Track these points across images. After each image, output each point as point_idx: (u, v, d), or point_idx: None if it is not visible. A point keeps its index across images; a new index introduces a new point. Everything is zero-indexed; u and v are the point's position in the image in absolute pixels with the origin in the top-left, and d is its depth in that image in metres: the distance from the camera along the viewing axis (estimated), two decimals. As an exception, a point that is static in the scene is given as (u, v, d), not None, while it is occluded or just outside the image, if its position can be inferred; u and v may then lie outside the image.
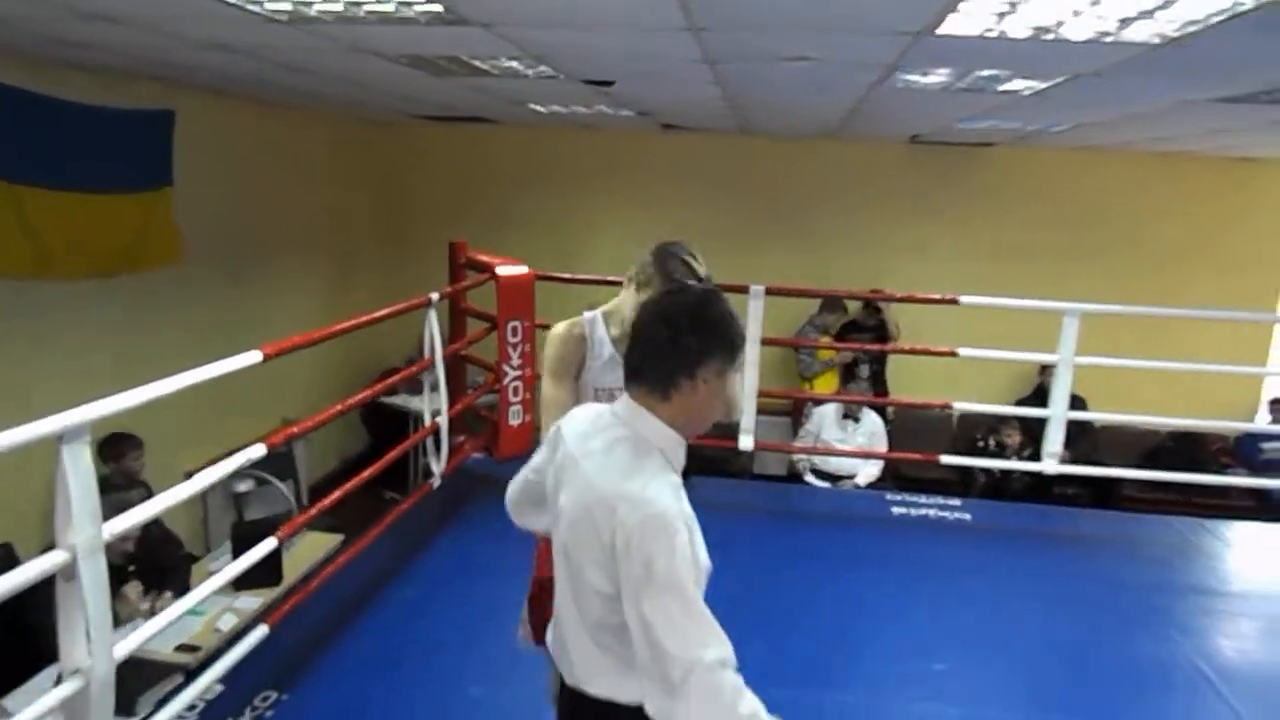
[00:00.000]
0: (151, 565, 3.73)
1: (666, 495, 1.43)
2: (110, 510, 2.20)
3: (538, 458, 1.78)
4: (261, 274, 6.12)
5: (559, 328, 2.30)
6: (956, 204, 7.08)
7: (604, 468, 1.50)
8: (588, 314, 2.31)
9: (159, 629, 2.39)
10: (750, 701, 1.38)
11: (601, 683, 1.58)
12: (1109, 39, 2.30)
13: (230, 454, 2.71)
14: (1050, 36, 2.35)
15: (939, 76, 3.22)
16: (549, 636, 1.77)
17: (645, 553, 1.38)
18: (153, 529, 4.23)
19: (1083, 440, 6.39)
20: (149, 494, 4.26)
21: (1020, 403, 6.32)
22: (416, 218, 7.68)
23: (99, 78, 4.34)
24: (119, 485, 4.04)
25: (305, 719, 2.78)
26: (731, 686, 1.37)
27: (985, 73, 3.04)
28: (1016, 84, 3.23)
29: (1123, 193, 6.91)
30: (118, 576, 3.48)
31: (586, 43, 2.93)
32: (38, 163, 3.99)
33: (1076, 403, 6.02)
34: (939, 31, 2.38)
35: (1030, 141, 5.99)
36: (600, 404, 1.68)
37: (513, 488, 1.87)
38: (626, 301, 2.22)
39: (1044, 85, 3.18)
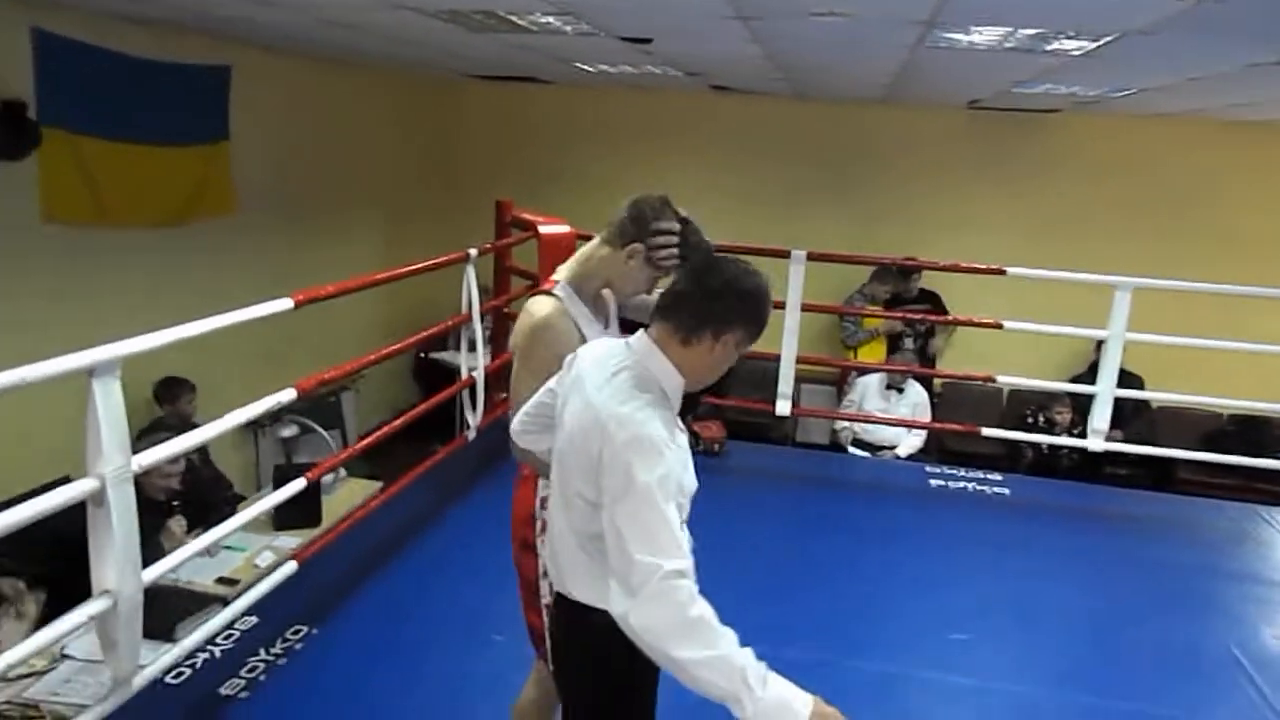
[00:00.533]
0: (197, 502, 3.90)
1: (656, 422, 1.53)
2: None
3: (554, 381, 1.82)
4: (316, 228, 6.27)
5: (544, 314, 1.97)
6: (1017, 174, 6.85)
7: (604, 390, 1.59)
8: (559, 292, 2.03)
9: (186, 557, 2.51)
10: (702, 606, 1.45)
11: (582, 588, 1.68)
12: (1147, -7, 2.21)
13: (282, 404, 2.81)
14: (1087, -9, 2.26)
15: (982, 36, 3.12)
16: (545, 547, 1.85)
17: (627, 467, 1.49)
18: (202, 469, 4.43)
19: (1138, 420, 6.20)
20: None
21: (1075, 380, 6.14)
22: (469, 175, 7.76)
23: (154, 32, 4.48)
24: (172, 427, 4.22)
25: (332, 653, 2.90)
26: (687, 592, 1.45)
27: (1029, 31, 2.93)
28: (1064, 43, 3.11)
29: (1196, 164, 6.57)
30: (164, 512, 3.69)
31: (614, -4, 2.91)
32: (97, 114, 4.15)
33: (1131, 381, 5.83)
34: (969, -15, 2.31)
35: (1096, 108, 5.75)
36: (617, 339, 1.73)
37: (525, 408, 1.89)
38: (604, 260, 2.04)
39: (1093, 45, 3.05)
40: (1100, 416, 4.43)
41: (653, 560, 1.44)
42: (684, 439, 1.62)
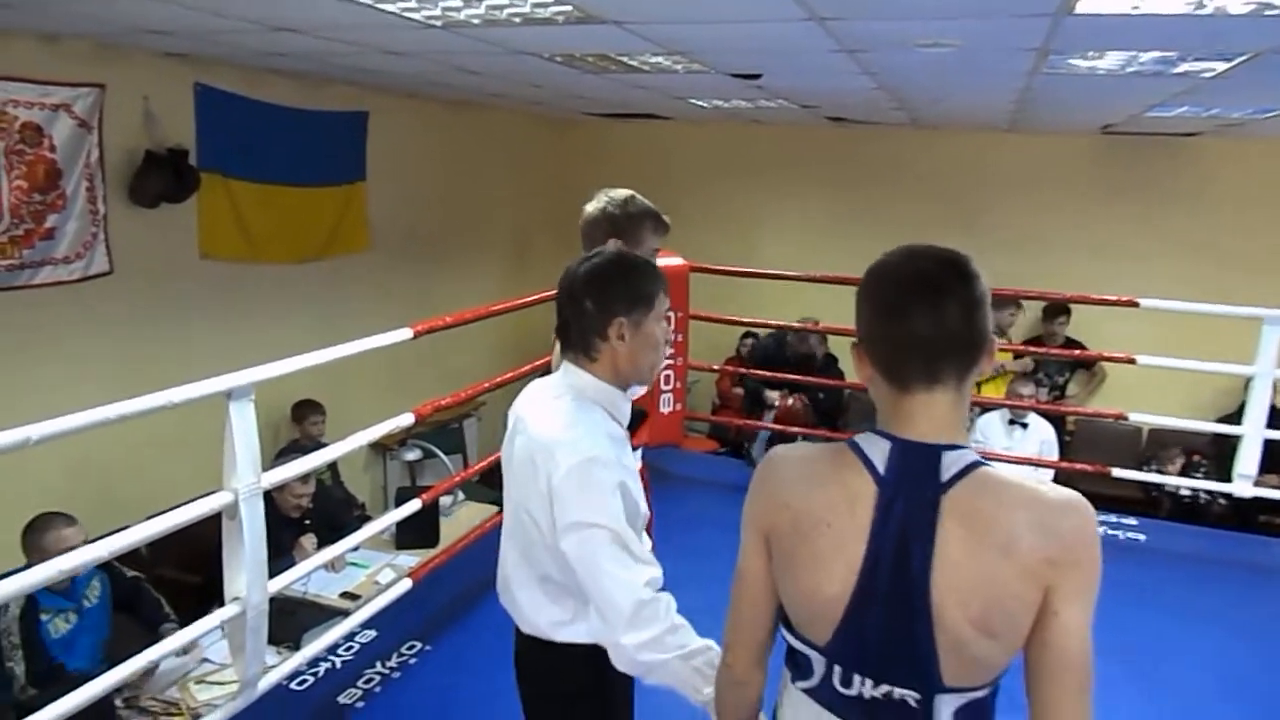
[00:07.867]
0: (327, 521, 4.13)
1: (603, 443, 1.53)
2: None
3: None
4: (445, 263, 6.58)
5: None
6: (1155, 202, 6.47)
7: (546, 419, 1.59)
8: None
9: (310, 570, 2.68)
10: (680, 621, 1.51)
11: (542, 623, 1.65)
12: (1272, 11, 2.08)
13: (409, 431, 2.96)
14: (1207, 11, 2.16)
15: (1104, 61, 3.01)
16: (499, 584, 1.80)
17: (582, 492, 1.49)
18: (334, 489, 4.70)
19: (1297, 465, 5.71)
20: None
21: (1223, 420, 5.71)
22: (591, 212, 7.94)
23: (301, 83, 4.86)
24: (305, 449, 4.50)
25: (443, 668, 3.02)
26: (665, 608, 1.50)
27: (1152, 54, 2.81)
28: (1194, 65, 2.96)
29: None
30: (298, 529, 3.94)
31: (717, 36, 2.97)
32: (248, 158, 4.54)
33: (1291, 422, 5.38)
34: (1079, 10, 2.24)
35: (1241, 131, 5.39)
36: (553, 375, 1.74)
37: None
38: None
39: (1226, 66, 2.89)
40: (1247, 460, 4.11)
41: (626, 584, 1.47)
42: (631, 458, 1.61)
